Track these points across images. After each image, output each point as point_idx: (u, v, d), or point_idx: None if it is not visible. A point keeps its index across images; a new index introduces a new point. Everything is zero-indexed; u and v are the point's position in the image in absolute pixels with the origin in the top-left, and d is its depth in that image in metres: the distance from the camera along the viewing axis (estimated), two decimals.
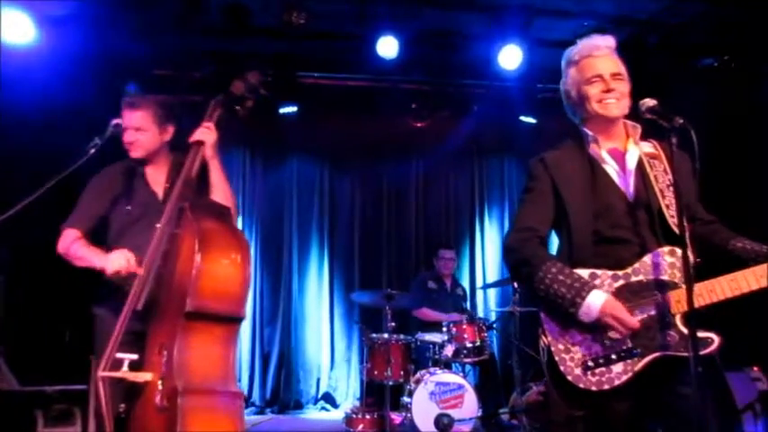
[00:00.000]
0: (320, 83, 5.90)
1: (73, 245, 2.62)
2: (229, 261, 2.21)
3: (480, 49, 5.40)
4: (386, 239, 6.83)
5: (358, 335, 6.39)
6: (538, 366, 5.69)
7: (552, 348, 1.98)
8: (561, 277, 1.94)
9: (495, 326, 5.33)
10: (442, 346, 5.03)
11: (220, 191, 2.56)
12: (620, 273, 1.99)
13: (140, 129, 2.68)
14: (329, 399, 6.49)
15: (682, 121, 1.91)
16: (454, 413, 4.57)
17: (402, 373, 4.89)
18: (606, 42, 2.16)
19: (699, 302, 1.90)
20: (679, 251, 1.94)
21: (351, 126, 6.51)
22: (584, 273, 1.99)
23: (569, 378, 1.94)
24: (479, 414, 4.67)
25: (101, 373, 2.14)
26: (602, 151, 2.14)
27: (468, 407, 4.64)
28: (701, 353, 1.82)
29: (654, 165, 2.11)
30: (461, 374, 4.91)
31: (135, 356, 2.17)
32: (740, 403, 3.66)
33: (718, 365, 2.03)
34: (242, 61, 5.56)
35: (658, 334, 1.91)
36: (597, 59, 2.13)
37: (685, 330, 1.89)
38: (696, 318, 1.85)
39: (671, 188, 2.04)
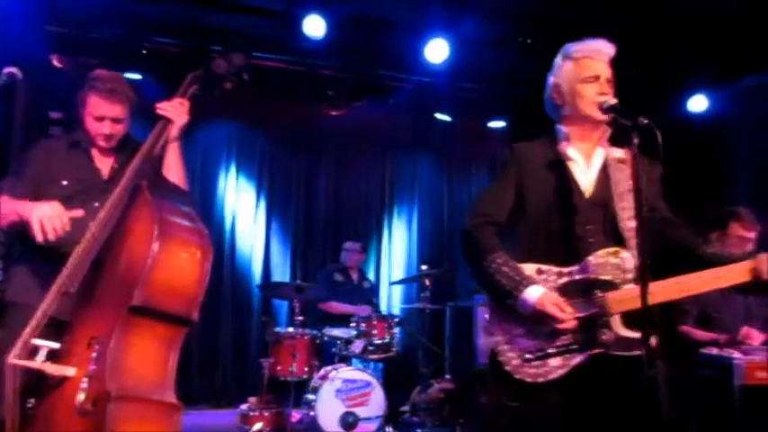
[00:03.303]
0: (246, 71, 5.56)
1: None
2: (189, 255, 1.93)
3: (407, 41, 5.31)
4: (294, 228, 6.58)
5: (261, 328, 6.09)
6: (441, 363, 5.85)
7: (494, 339, 2.04)
8: (504, 269, 1.99)
9: (403, 323, 5.26)
10: (349, 341, 4.89)
11: (176, 173, 2.30)
12: (565, 270, 2.03)
13: (120, 121, 2.38)
14: (224, 395, 6.13)
15: (646, 120, 1.89)
16: (360, 411, 4.43)
17: (307, 369, 4.68)
18: (608, 49, 2.16)
19: (637, 304, 1.84)
20: (624, 253, 1.98)
21: (261, 107, 6.20)
22: (531, 267, 2.03)
23: (507, 368, 1.99)
24: (386, 412, 4.57)
25: (12, 360, 1.80)
26: (571, 148, 2.15)
27: (375, 405, 4.50)
28: (636, 353, 1.89)
29: (620, 169, 2.12)
30: (369, 371, 4.78)
31: (57, 345, 1.85)
32: None
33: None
34: (148, 27, 5.13)
35: (597, 332, 1.96)
36: (597, 62, 2.14)
37: (622, 331, 1.96)
38: (634, 319, 1.91)
39: (631, 193, 2.01)
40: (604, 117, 2.06)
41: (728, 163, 5.34)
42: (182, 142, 2.36)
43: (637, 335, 1.92)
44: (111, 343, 1.78)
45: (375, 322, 4.87)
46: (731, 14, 4.50)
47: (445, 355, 5.55)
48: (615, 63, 2.18)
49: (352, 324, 4.92)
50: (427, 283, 5.32)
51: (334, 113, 6.22)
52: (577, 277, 2.01)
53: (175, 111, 2.29)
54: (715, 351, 2.97)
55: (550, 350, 1.96)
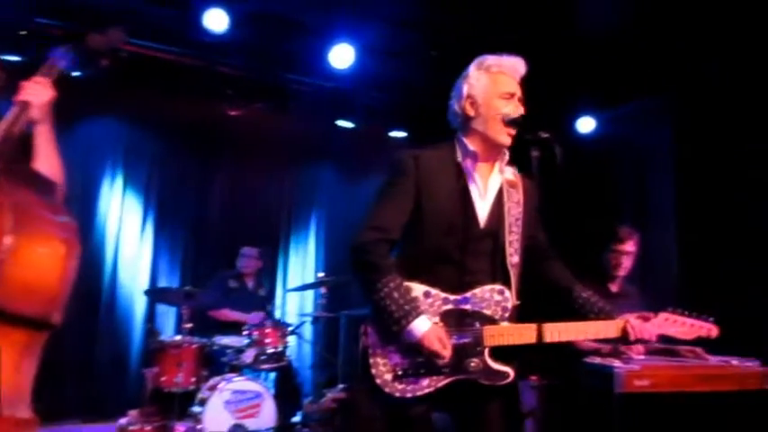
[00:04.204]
0: (125, 48, 5.18)
1: None
2: (50, 251, 1.68)
3: (313, 44, 5.21)
4: (183, 232, 6.24)
5: (144, 335, 5.72)
6: (333, 373, 5.72)
7: (370, 351, 2.06)
8: (396, 295, 2.00)
9: (297, 331, 5.13)
10: (241, 350, 4.69)
11: (47, 162, 2.03)
12: (451, 297, 2.08)
13: None
14: (101, 407, 5.68)
15: (547, 135, 1.98)
16: (250, 423, 4.27)
17: (194, 379, 4.45)
18: (522, 68, 2.18)
19: (507, 341, 2.08)
20: (507, 292, 2.09)
21: (153, 103, 5.87)
22: (419, 289, 2.06)
23: (377, 381, 2.03)
24: (277, 424, 4.42)
25: None
26: (474, 165, 2.15)
27: (266, 416, 4.35)
28: (500, 383, 2.06)
29: (511, 194, 2.17)
30: (260, 381, 4.61)
31: None
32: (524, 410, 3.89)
33: (516, 395, 2.21)
34: (31, 8, 4.71)
35: (466, 360, 2.05)
36: (513, 80, 2.15)
37: (489, 362, 2.07)
38: (500, 353, 2.07)
39: (519, 222, 2.15)
40: (509, 141, 2.10)
41: (613, 183, 5.60)
42: (54, 129, 2.11)
43: (503, 368, 2.07)
44: None
45: (268, 330, 4.71)
46: (618, 41, 4.72)
47: (339, 364, 5.47)
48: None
49: (244, 332, 4.74)
50: (323, 291, 5.25)
51: (233, 113, 5.97)
52: (462, 307, 2.08)
53: (33, 93, 2.04)
54: (597, 360, 3.04)
55: (422, 370, 2.04)
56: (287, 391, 5.01)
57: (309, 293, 6.34)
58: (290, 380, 5.09)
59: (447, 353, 2.00)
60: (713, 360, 3.15)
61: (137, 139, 6.13)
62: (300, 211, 6.85)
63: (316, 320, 5.51)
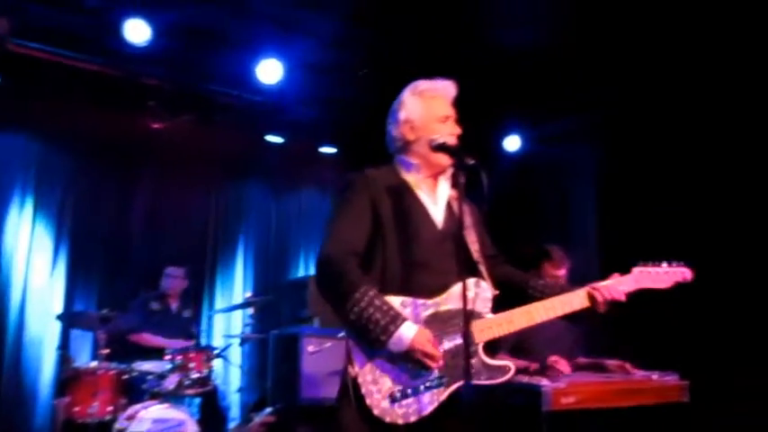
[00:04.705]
0: (36, 55, 4.89)
1: None
2: None
3: (240, 58, 5.11)
4: (101, 253, 5.88)
5: (57, 362, 5.36)
6: (262, 395, 5.54)
7: (360, 380, 1.94)
8: (377, 302, 1.92)
9: (223, 354, 4.93)
10: (163, 376, 4.45)
11: None
12: (429, 301, 2.03)
13: None
14: None
15: (473, 161, 1.98)
16: None
17: (111, 408, 4.19)
18: (453, 90, 2.26)
19: (499, 332, 2.06)
20: (483, 283, 2.08)
21: (69, 115, 5.55)
22: (395, 300, 1.98)
23: (376, 412, 1.91)
24: None
25: None
26: (419, 180, 2.20)
27: None
28: (500, 380, 2.01)
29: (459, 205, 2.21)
30: (183, 408, 4.38)
31: None
32: None
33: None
34: None
35: (464, 363, 1.93)
36: (447, 103, 2.24)
37: (486, 359, 2.03)
38: (496, 346, 2.04)
39: (472, 230, 2.20)
40: (449, 161, 2.13)
41: (540, 201, 5.71)
42: None
43: (502, 362, 2.04)
44: None
45: (192, 355, 4.50)
46: (544, 60, 4.86)
47: (267, 386, 5.31)
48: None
49: (166, 357, 4.49)
50: (251, 311, 5.11)
51: (155, 126, 5.72)
52: (442, 309, 2.02)
53: None
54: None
55: (421, 387, 1.94)
56: (212, 417, 4.81)
57: (237, 314, 6.12)
58: (215, 404, 4.88)
59: (440, 354, 1.94)
60: (637, 375, 3.22)
61: (49, 156, 5.75)
62: (227, 228, 6.61)
63: (243, 342, 5.32)
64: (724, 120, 4.44)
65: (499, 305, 2.10)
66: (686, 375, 3.15)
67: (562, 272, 3.60)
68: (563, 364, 3.27)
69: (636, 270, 2.25)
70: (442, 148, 2.11)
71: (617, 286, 2.17)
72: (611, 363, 3.42)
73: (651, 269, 2.26)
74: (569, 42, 4.61)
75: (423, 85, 2.24)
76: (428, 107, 2.20)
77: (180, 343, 4.81)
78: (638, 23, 4.32)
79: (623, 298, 2.16)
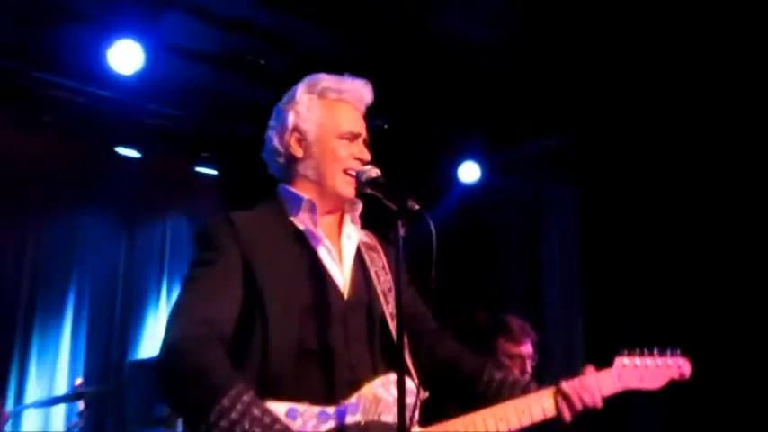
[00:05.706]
0: None
1: None
2: None
3: (84, 37, 4.18)
4: None
5: None
6: None
7: None
8: (256, 412, 1.47)
9: None
10: None
11: None
12: (329, 410, 1.61)
13: None
14: None
15: (417, 206, 1.60)
16: None
17: None
18: (368, 96, 1.88)
19: None
20: (410, 382, 1.67)
21: None
22: (280, 408, 1.55)
23: None
24: None
25: None
26: (313, 222, 1.79)
27: None
28: None
29: (373, 258, 1.89)
30: None
31: None
32: None
33: None
34: None
35: None
36: (357, 113, 1.87)
37: None
38: None
39: (392, 293, 1.82)
40: (353, 192, 1.81)
41: (501, 248, 5.34)
42: None
43: None
44: None
45: None
46: (500, 84, 4.58)
47: None
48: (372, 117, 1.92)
49: None
50: (81, 406, 4.02)
51: None
52: (349, 421, 1.62)
53: None
54: None
55: None
56: None
57: (59, 410, 4.83)
58: None
59: None
60: None
61: None
62: (51, 278, 5.22)
63: None
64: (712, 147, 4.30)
65: (437, 405, 1.75)
66: None
67: (524, 349, 3.20)
68: None
69: (618, 362, 1.99)
70: (373, 184, 1.74)
71: (593, 388, 1.85)
72: None
73: (638, 361, 2.01)
74: (535, 48, 4.30)
75: (324, 81, 1.88)
76: (329, 115, 1.84)
77: None
78: (609, 37, 4.15)
79: (600, 404, 1.87)
